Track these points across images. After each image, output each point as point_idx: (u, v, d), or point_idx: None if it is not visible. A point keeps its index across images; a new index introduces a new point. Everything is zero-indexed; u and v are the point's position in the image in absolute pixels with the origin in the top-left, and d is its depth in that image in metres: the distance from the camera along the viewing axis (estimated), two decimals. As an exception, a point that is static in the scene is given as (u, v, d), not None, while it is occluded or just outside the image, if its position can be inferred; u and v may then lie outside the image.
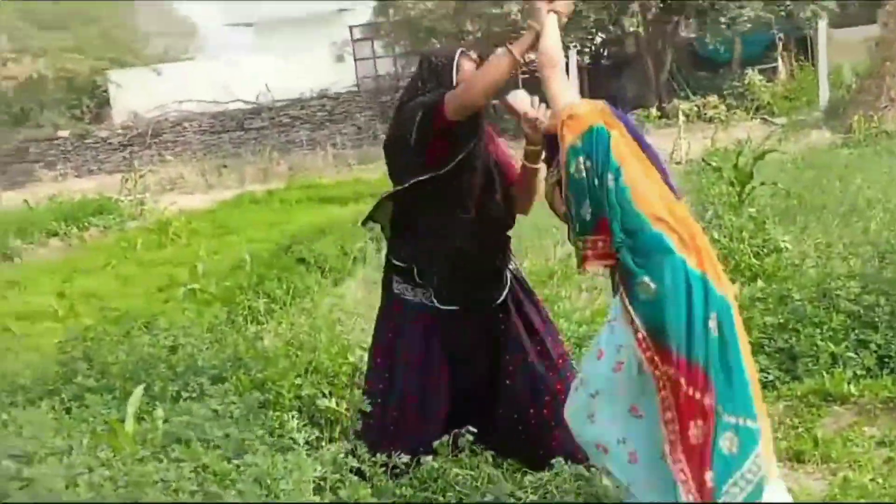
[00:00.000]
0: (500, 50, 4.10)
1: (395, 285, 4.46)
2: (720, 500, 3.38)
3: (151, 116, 26.65)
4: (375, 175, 16.29)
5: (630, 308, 3.52)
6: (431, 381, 4.42)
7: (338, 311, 6.90)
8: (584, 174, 3.61)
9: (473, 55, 4.25)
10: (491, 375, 4.45)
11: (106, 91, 29.01)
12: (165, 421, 4.65)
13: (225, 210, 14.65)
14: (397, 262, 4.39)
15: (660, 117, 20.09)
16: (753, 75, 20.81)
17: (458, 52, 4.25)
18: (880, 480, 4.26)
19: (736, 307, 3.53)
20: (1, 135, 26.99)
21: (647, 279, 3.48)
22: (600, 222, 3.61)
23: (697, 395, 3.39)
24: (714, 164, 9.96)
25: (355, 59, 27.27)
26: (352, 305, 7.44)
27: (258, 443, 4.30)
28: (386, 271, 4.58)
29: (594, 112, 3.72)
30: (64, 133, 26.98)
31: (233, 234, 12.36)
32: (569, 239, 3.84)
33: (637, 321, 3.50)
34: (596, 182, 3.59)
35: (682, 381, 3.39)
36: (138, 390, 4.54)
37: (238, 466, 3.91)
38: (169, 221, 12.81)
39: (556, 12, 3.96)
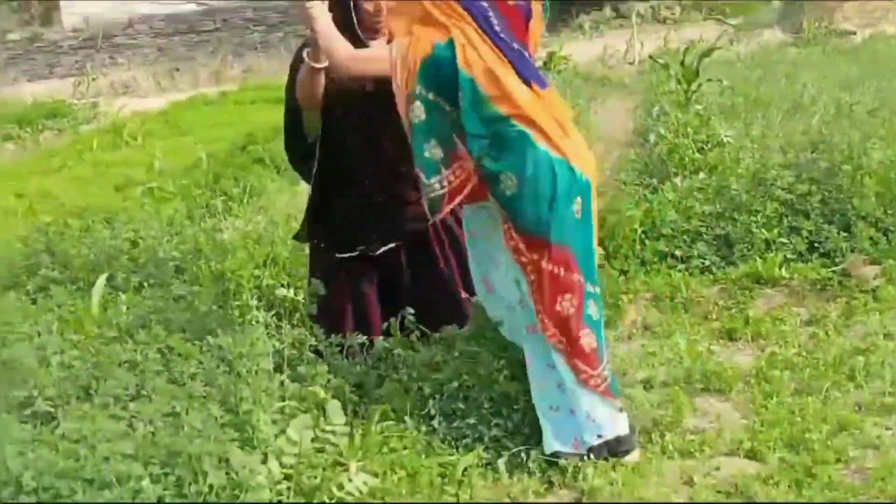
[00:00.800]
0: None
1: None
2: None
3: (103, 19, 26.23)
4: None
5: (497, 205, 3.79)
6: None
7: (293, 207, 7.09)
8: (424, 115, 3.73)
9: None
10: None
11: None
12: (129, 308, 4.86)
13: (178, 111, 14.58)
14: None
15: (615, 17, 20.10)
16: (708, -25, 20.83)
17: None
18: (805, 354, 4.56)
19: (594, 183, 3.82)
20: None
21: (510, 174, 3.69)
22: (452, 154, 3.79)
23: (563, 272, 3.72)
24: (662, 62, 10.12)
25: (309, -41, 26.92)
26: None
27: (219, 326, 4.51)
28: None
29: (426, 32, 3.73)
30: (14, 37, 26.51)
31: (187, 134, 12.35)
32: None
33: (504, 215, 3.78)
34: (447, 108, 3.73)
35: (545, 262, 3.70)
36: (101, 279, 4.73)
37: (201, 348, 4.11)
38: (123, 123, 12.81)
39: None
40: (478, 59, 3.69)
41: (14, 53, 26.25)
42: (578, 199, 3.73)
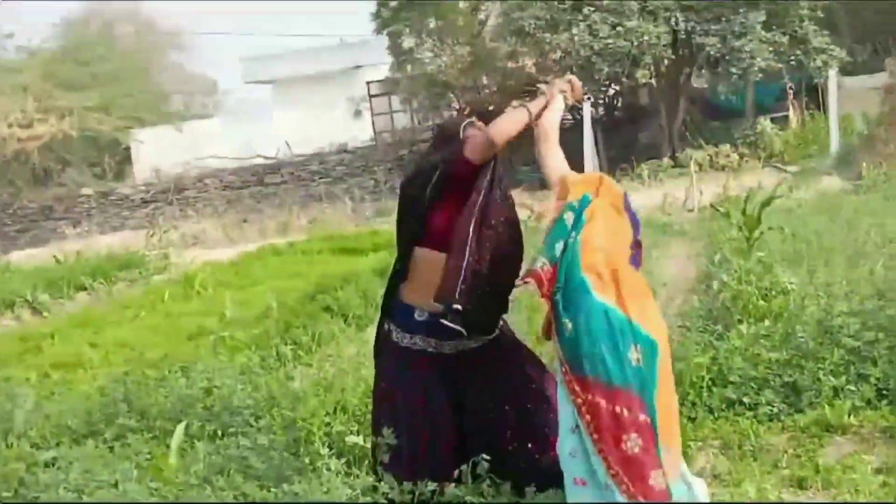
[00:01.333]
0: (515, 103, 4.51)
1: (393, 334, 4.65)
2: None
3: (174, 173, 27.18)
4: (393, 227, 16.69)
5: (557, 344, 4.09)
6: (436, 422, 4.69)
7: (362, 355, 7.23)
8: (568, 223, 4.13)
9: (479, 124, 4.59)
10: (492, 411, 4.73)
11: (127, 149, 29.64)
12: (205, 456, 4.97)
13: (248, 261, 14.99)
14: (406, 303, 4.61)
15: (673, 166, 20.42)
16: (765, 123, 21.15)
17: (466, 122, 4.60)
18: (877, 501, 4.52)
19: (665, 349, 4.07)
20: (27, 194, 27.59)
21: (566, 319, 4.03)
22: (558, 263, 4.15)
23: (626, 413, 3.91)
24: (723, 210, 10.26)
25: (372, 114, 27.81)
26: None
27: (295, 474, 4.61)
28: (382, 321, 4.80)
29: (587, 182, 4.28)
30: (88, 191, 27.52)
31: (257, 284, 12.67)
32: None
33: (561, 356, 4.06)
34: (572, 235, 4.12)
35: (602, 402, 3.92)
36: (180, 427, 4.86)
37: (276, 494, 4.21)
38: (195, 274, 13.17)
39: (563, 91, 4.55)
40: (601, 216, 4.17)
41: (88, 207, 27.23)
42: (636, 346, 3.96)
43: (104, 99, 29.25)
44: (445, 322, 4.33)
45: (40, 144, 27.18)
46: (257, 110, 32.96)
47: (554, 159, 4.47)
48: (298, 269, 13.44)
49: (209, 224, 22.75)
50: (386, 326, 4.71)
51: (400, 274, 4.67)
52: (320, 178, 26.30)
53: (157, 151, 28.19)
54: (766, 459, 5.16)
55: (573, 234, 4.12)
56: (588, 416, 3.97)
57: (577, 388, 4.01)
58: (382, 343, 4.75)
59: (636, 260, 4.30)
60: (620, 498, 3.87)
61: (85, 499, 4.35)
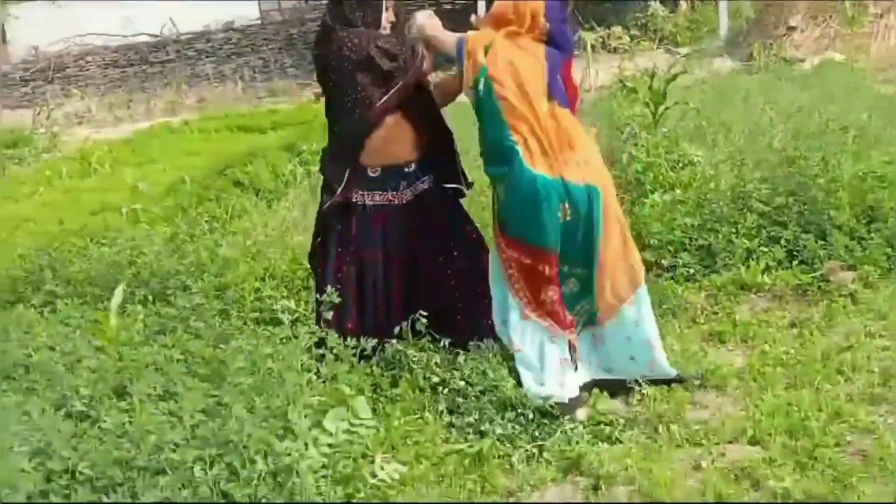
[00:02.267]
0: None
1: (355, 196, 4.81)
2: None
3: (53, 51, 26.17)
4: (290, 106, 16.57)
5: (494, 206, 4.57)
6: (388, 278, 4.86)
7: (282, 227, 7.27)
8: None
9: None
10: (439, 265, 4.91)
11: (1, 25, 28.37)
12: (144, 318, 5.00)
13: (143, 139, 14.64)
14: (364, 164, 4.76)
15: (566, 48, 20.49)
16: (656, 6, 21.29)
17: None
18: (792, 352, 4.82)
19: (608, 191, 4.46)
20: None
21: (499, 186, 4.50)
22: None
23: (547, 269, 4.43)
24: (630, 85, 10.44)
25: (259, -9, 27.10)
26: (290, 224, 7.74)
27: (236, 332, 4.68)
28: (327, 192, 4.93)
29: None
30: (-38, 68, 26.39)
31: (155, 162, 12.41)
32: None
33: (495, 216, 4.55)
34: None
35: (524, 258, 4.44)
36: (120, 286, 4.84)
37: (224, 351, 4.28)
38: (90, 151, 12.87)
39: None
40: (508, 63, 4.35)
41: (-38, 85, 26.13)
42: (566, 203, 4.34)
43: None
44: None
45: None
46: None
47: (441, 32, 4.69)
48: (196, 148, 13.20)
49: (94, 103, 22.08)
50: (338, 195, 4.79)
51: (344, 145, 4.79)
52: (207, 57, 25.59)
53: (33, 29, 27.01)
54: (686, 317, 5.44)
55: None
56: (510, 271, 4.48)
57: (502, 244, 4.50)
58: (336, 211, 4.82)
59: (560, 94, 4.43)
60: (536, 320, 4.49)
61: (32, 358, 4.34)
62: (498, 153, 4.42)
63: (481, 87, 4.36)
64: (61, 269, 6.02)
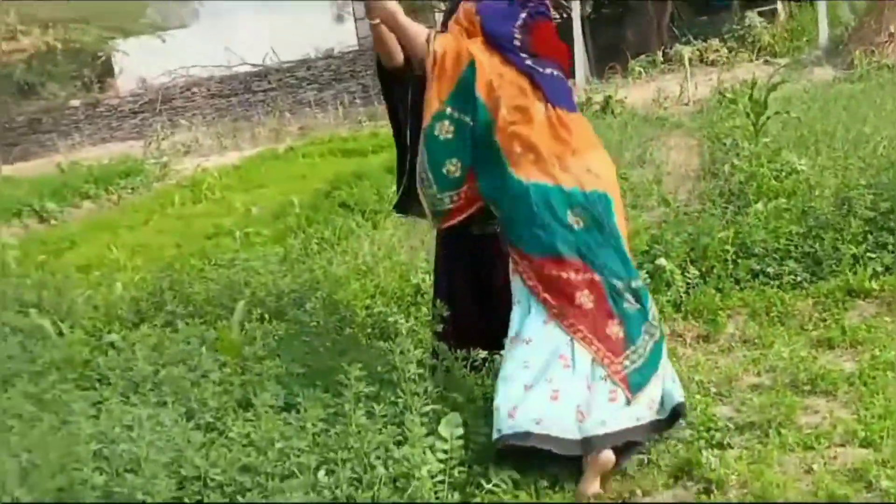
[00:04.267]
0: None
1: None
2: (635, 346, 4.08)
3: (159, 83, 27.02)
4: (390, 130, 16.82)
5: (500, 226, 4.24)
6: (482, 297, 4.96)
7: (387, 247, 7.46)
8: (453, 134, 4.14)
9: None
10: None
11: (108, 60, 29.33)
12: (263, 335, 5.21)
13: (250, 166, 15.11)
14: None
15: (663, 62, 20.48)
16: (753, 17, 21.16)
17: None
18: (904, 356, 4.81)
19: (616, 196, 4.21)
20: (13, 108, 27.40)
21: (493, 206, 4.21)
22: (468, 175, 4.21)
23: (573, 275, 4.05)
24: (730, 96, 10.45)
25: (355, 19, 27.58)
26: (396, 244, 7.92)
27: (353, 345, 4.86)
28: None
29: (459, 50, 4.12)
30: (75, 103, 27.35)
31: (263, 186, 12.84)
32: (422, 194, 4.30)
33: (502, 235, 4.26)
34: (468, 132, 4.14)
35: (547, 269, 4.06)
36: (240, 305, 5.07)
37: (342, 363, 4.45)
38: (202, 178, 13.30)
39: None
40: (497, 82, 4.11)
41: (76, 119, 27.10)
42: (576, 209, 4.08)
43: (84, 10, 28.85)
44: None
45: (25, 57, 26.90)
46: (234, 17, 32.52)
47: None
48: (302, 172, 13.59)
49: (200, 132, 22.74)
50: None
51: None
52: (308, 85, 26.20)
53: (140, 62, 27.90)
54: (793, 324, 5.44)
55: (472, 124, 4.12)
56: (531, 283, 4.12)
57: (516, 258, 4.17)
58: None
59: (563, 97, 4.21)
60: (580, 346, 4.00)
61: (160, 374, 4.58)
62: (486, 169, 4.19)
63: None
64: (181, 291, 6.28)
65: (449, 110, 4.11)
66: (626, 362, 4.06)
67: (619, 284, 4.10)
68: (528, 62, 4.19)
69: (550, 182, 4.06)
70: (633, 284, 4.15)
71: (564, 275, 4.06)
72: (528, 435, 3.81)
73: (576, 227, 4.07)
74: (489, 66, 4.12)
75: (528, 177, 4.07)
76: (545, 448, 3.83)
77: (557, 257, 4.06)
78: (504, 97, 4.10)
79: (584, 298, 4.05)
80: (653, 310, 4.23)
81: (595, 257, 4.09)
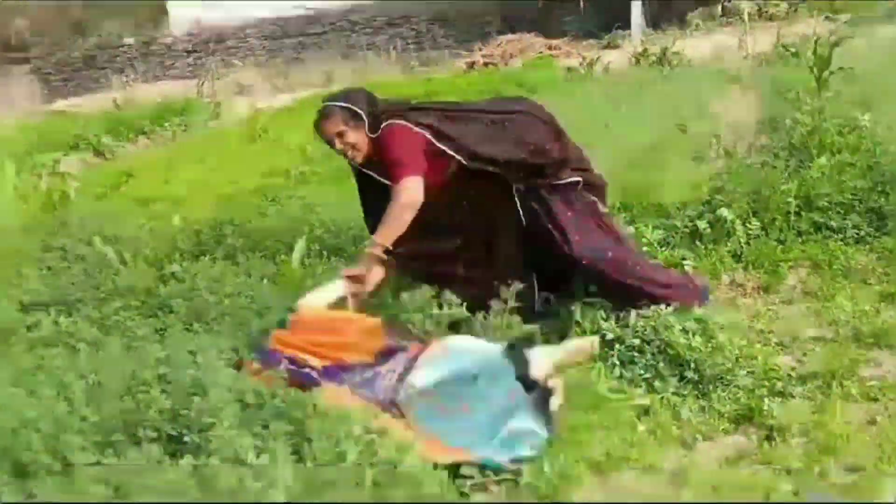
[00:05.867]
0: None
1: None
2: None
3: (213, 23, 27.00)
4: (444, 75, 16.82)
5: None
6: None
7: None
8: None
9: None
10: None
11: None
12: (323, 270, 5.24)
13: (305, 107, 15.01)
14: None
15: (722, 15, 20.19)
16: (815, -28, 20.77)
17: None
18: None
19: None
20: (69, 42, 27.56)
21: None
22: None
23: None
24: (793, 51, 10.27)
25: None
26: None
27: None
28: None
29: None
30: (129, 40, 27.44)
31: (318, 128, 12.75)
32: None
33: None
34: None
35: None
36: (302, 240, 5.10)
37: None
38: (256, 117, 13.29)
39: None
40: None
41: (130, 56, 27.22)
42: None
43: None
44: None
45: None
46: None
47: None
48: (355, 114, 13.49)
49: (253, 73, 22.74)
50: None
51: None
52: (361, 29, 26.09)
53: (194, 2, 27.91)
54: (856, 278, 5.38)
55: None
56: None
57: None
58: None
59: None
60: None
61: (222, 304, 4.63)
62: None
63: None
64: (241, 225, 6.32)
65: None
66: None
67: None
68: None
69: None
70: None
71: None
72: None
73: None
74: None
75: None
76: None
77: None
78: None
79: None
80: None
81: None
